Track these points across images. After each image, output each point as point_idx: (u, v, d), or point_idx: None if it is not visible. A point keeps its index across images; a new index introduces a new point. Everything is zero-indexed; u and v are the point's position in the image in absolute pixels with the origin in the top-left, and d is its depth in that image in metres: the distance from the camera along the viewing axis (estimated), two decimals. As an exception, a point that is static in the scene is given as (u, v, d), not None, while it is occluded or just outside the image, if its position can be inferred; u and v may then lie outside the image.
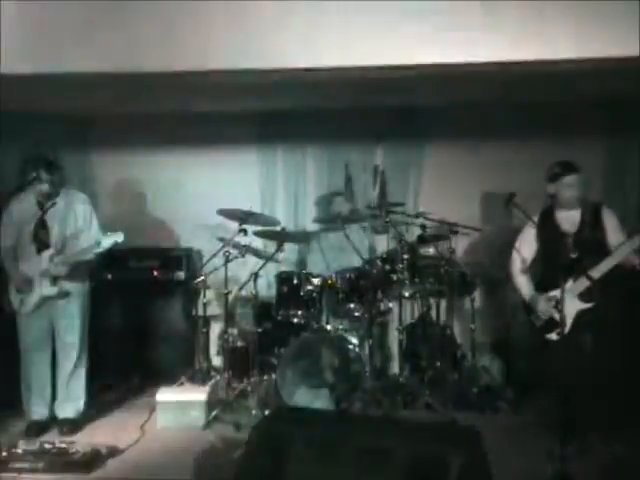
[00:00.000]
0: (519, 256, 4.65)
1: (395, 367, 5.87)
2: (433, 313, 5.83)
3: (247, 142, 6.39)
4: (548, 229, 4.53)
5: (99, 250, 4.60)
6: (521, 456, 4.29)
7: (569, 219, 4.48)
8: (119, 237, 4.56)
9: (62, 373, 4.85)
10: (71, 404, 4.87)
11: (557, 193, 4.51)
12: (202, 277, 5.65)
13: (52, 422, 4.85)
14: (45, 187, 4.69)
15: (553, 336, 4.37)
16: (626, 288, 4.31)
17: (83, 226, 4.82)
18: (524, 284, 4.63)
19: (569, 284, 4.26)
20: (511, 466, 3.99)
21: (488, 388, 5.45)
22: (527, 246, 4.64)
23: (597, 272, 4.21)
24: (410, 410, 5.08)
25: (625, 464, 4.06)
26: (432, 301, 5.81)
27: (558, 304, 4.12)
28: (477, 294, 5.68)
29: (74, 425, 4.83)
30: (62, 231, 4.77)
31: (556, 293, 4.24)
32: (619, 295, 4.28)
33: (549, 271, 4.46)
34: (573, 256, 4.28)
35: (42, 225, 4.76)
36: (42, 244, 4.73)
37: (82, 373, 4.92)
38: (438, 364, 5.49)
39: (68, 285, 4.78)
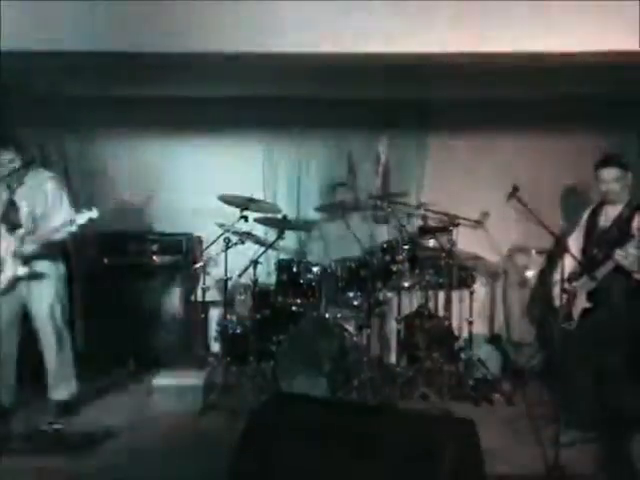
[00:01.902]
0: (572, 243, 4.58)
1: (392, 357, 5.89)
2: (432, 304, 5.84)
3: (250, 128, 6.37)
4: (590, 223, 4.51)
5: (73, 228, 4.54)
6: (515, 447, 4.31)
7: (608, 215, 4.42)
8: (93, 214, 4.51)
9: (48, 357, 4.82)
10: (63, 386, 4.86)
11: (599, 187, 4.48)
12: (201, 263, 5.65)
13: (16, 410, 4.80)
14: (12, 167, 4.64)
15: (567, 326, 4.38)
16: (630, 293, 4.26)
17: (54, 205, 4.74)
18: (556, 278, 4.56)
19: (582, 280, 4.27)
20: (505, 457, 4.01)
21: (484, 380, 5.47)
22: (577, 234, 4.61)
23: (602, 272, 4.20)
24: (406, 400, 5.09)
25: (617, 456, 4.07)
26: (431, 292, 5.81)
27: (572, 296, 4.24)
28: (476, 287, 5.69)
29: (68, 407, 4.84)
30: (32, 210, 4.70)
31: (575, 285, 4.31)
32: (621, 300, 4.25)
33: (581, 263, 4.44)
34: (595, 251, 4.31)
35: (12, 205, 4.71)
36: (12, 224, 4.67)
37: (68, 355, 4.88)
38: (435, 355, 5.50)
39: (41, 266, 4.71)
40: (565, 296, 4.35)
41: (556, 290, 4.43)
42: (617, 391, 4.28)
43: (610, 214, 4.39)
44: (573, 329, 4.35)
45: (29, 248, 4.61)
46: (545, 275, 5.74)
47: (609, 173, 4.37)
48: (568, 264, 4.34)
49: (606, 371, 4.31)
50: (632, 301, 4.22)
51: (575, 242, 4.55)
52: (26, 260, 4.65)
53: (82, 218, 4.50)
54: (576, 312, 4.34)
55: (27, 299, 4.76)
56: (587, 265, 4.32)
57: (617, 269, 4.14)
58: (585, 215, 4.58)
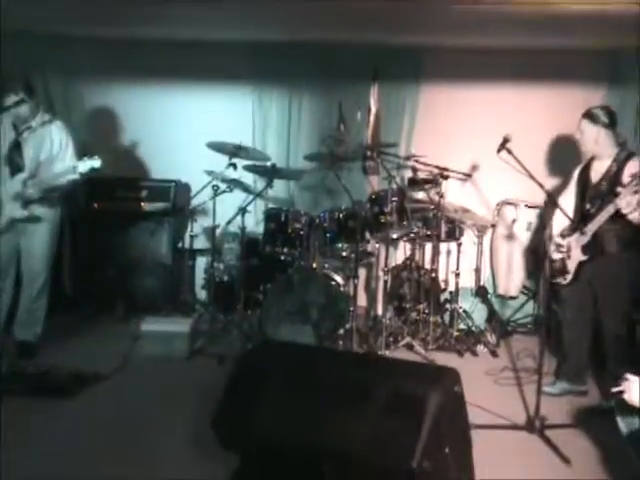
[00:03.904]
0: (564, 200, 4.55)
1: (379, 307, 5.93)
2: (419, 256, 5.86)
3: (241, 75, 6.29)
4: (582, 178, 4.48)
5: (75, 176, 4.56)
6: (498, 399, 4.38)
7: (598, 169, 4.37)
8: (96, 162, 4.51)
9: (25, 298, 4.84)
10: (30, 328, 4.87)
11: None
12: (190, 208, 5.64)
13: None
14: (22, 109, 4.62)
15: (562, 281, 4.41)
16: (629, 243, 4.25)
17: (58, 152, 4.75)
18: (552, 226, 4.54)
19: (576, 235, 4.28)
20: (488, 408, 4.07)
21: (469, 332, 5.53)
22: (569, 193, 4.57)
23: (590, 228, 4.19)
24: (391, 349, 5.15)
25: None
26: (419, 244, 5.82)
27: (566, 251, 4.26)
28: (464, 240, 5.70)
29: (31, 348, 4.85)
30: (36, 155, 4.70)
31: (569, 240, 4.31)
32: (617, 250, 4.24)
33: (573, 219, 4.41)
34: (587, 207, 4.30)
35: (16, 148, 4.69)
36: (16, 167, 4.66)
37: (44, 299, 4.89)
38: (421, 306, 5.54)
39: (39, 210, 4.71)
40: (559, 250, 4.38)
41: (551, 245, 4.43)
42: (614, 343, 4.33)
43: (599, 169, 4.36)
44: (568, 283, 4.37)
45: (29, 192, 4.61)
46: (540, 228, 5.77)
47: (585, 125, 4.34)
48: (562, 220, 4.36)
49: (601, 323, 4.35)
50: (628, 252, 4.21)
51: (567, 198, 4.53)
52: (25, 203, 4.64)
53: (84, 166, 4.51)
54: (571, 266, 4.33)
55: (22, 242, 4.78)
56: (580, 221, 4.31)
57: (613, 220, 4.10)
58: (576, 172, 4.55)
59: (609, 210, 4.05)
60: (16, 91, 4.56)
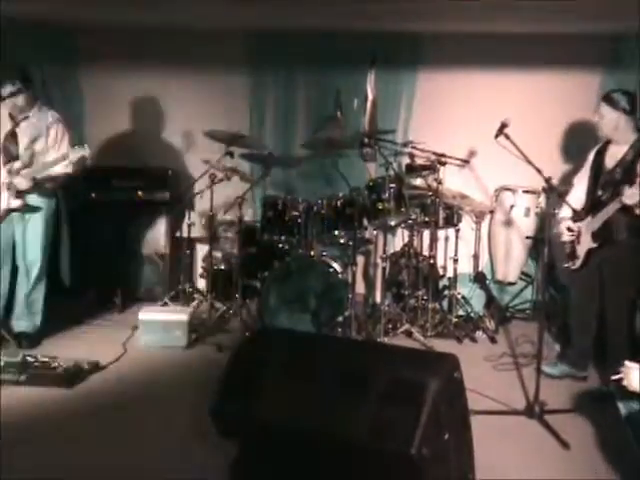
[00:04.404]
0: (577, 182, 4.56)
1: (377, 294, 5.93)
2: (417, 243, 5.85)
3: (237, 63, 6.26)
4: (596, 162, 4.41)
5: (66, 163, 4.57)
6: (497, 384, 4.39)
7: (614, 155, 4.29)
8: (85, 151, 4.54)
9: (21, 289, 4.85)
10: (29, 319, 4.88)
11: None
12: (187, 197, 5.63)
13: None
14: (19, 100, 4.62)
15: (571, 265, 4.41)
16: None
17: (54, 143, 4.75)
18: (564, 209, 4.53)
19: (587, 220, 4.26)
20: (487, 394, 4.08)
21: (468, 318, 5.53)
22: (583, 176, 4.52)
23: (599, 219, 4.17)
24: (390, 337, 5.15)
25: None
26: (417, 231, 5.82)
27: (577, 235, 4.28)
28: (462, 226, 5.70)
29: (32, 339, 4.85)
30: (31, 146, 4.70)
31: (580, 225, 4.30)
32: (627, 240, 4.19)
33: (585, 203, 4.40)
34: (599, 193, 4.27)
35: (12, 138, 4.69)
36: (10, 156, 4.67)
37: (41, 289, 4.90)
38: (420, 293, 5.54)
39: (34, 200, 4.72)
40: (570, 235, 4.37)
41: (562, 227, 4.43)
42: (616, 331, 4.33)
43: (615, 154, 4.27)
44: (577, 268, 4.36)
45: (23, 182, 4.61)
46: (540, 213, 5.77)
47: (606, 110, 4.24)
48: (573, 203, 4.34)
49: (609, 310, 4.33)
50: (637, 240, 4.16)
51: (580, 182, 4.50)
52: (20, 193, 4.63)
53: (75, 155, 4.52)
54: (581, 251, 4.31)
55: (16, 232, 4.78)
56: (591, 206, 4.29)
57: (623, 209, 4.04)
58: (591, 155, 4.47)
59: (615, 206, 4.03)
60: (13, 81, 4.55)
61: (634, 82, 5.51)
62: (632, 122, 4.25)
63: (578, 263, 4.35)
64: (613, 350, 4.29)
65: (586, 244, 4.28)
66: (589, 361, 4.55)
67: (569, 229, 4.34)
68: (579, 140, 5.46)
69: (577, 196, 4.47)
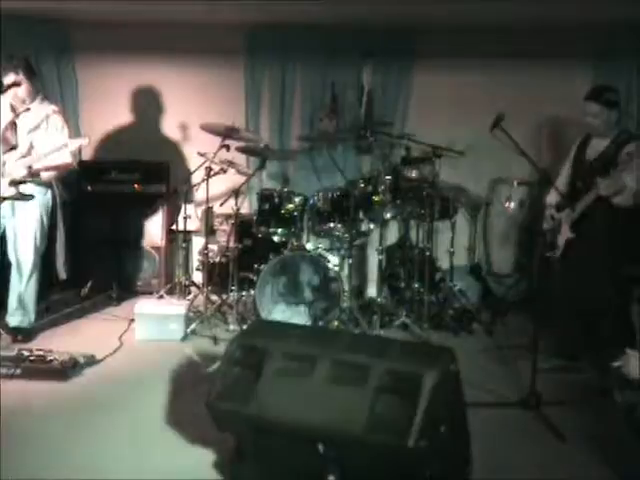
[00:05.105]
0: (560, 177, 4.63)
1: (373, 287, 5.93)
2: (413, 235, 5.85)
3: (234, 55, 6.25)
4: (578, 154, 4.50)
5: (68, 160, 4.61)
6: (493, 377, 4.40)
7: (595, 148, 4.39)
8: (84, 140, 4.60)
9: (15, 282, 4.82)
10: (23, 314, 4.85)
11: None
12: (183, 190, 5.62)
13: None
14: (21, 91, 4.61)
15: (552, 254, 4.46)
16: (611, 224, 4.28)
17: (53, 137, 4.73)
18: (548, 200, 4.63)
19: (566, 211, 4.30)
20: (483, 387, 4.08)
21: (464, 310, 5.54)
22: (566, 167, 4.62)
23: (577, 209, 4.23)
24: (387, 329, 5.15)
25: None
26: (413, 223, 5.81)
27: (557, 225, 4.36)
28: (458, 218, 5.70)
29: (26, 334, 4.83)
30: (31, 137, 4.70)
31: (560, 215, 4.38)
32: (603, 231, 4.27)
33: (566, 195, 4.45)
34: (579, 184, 4.31)
35: (12, 128, 4.69)
36: (9, 147, 4.66)
37: (34, 283, 4.86)
38: (416, 285, 5.54)
39: (28, 190, 4.65)
40: (551, 223, 4.42)
41: (546, 214, 4.51)
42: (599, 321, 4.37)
43: (596, 147, 4.37)
44: (557, 257, 4.40)
45: (20, 172, 4.58)
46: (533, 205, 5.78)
47: (590, 108, 4.35)
48: (556, 194, 4.42)
49: (589, 302, 4.38)
50: (614, 232, 4.24)
51: (563, 173, 4.58)
52: (15, 182, 4.59)
53: (74, 145, 4.55)
54: (561, 241, 4.41)
55: (8, 225, 4.76)
56: (571, 197, 4.33)
57: (600, 201, 4.12)
58: (574, 147, 4.57)
59: (591, 196, 4.10)
60: (16, 72, 4.54)
61: (626, 75, 5.55)
62: (614, 116, 4.33)
63: (558, 252, 4.42)
64: (598, 340, 4.33)
65: (565, 234, 4.36)
66: (576, 351, 4.56)
67: (551, 217, 4.41)
68: (572, 133, 5.47)
69: (562, 183, 4.59)
